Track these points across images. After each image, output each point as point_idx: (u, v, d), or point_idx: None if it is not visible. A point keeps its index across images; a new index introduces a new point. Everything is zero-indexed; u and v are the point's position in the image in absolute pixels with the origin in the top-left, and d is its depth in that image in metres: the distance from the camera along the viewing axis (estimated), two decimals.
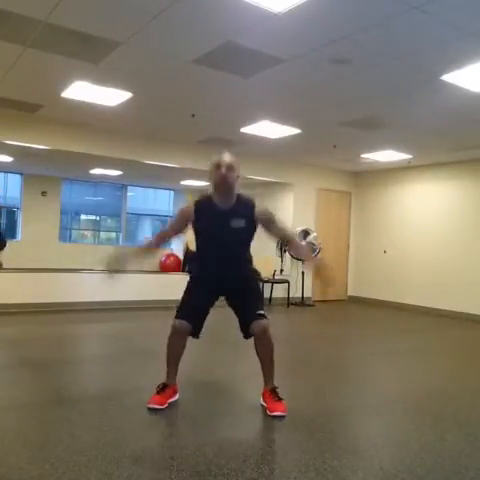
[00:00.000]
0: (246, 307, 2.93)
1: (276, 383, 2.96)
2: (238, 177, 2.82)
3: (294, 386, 3.50)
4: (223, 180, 2.71)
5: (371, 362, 4.57)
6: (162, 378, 2.98)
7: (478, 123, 5.61)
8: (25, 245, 10.55)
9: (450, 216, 7.98)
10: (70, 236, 12.37)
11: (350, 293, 9.56)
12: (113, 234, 13.04)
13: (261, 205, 2.90)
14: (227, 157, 2.75)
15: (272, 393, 2.92)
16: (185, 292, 3.01)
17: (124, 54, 4.01)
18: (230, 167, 2.72)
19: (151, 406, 2.86)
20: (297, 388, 3.47)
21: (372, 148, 7.26)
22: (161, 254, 12.16)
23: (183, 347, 2.97)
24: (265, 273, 7.68)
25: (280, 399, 2.89)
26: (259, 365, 2.97)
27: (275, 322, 7.19)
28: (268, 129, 6.28)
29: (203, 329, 2.96)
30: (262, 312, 2.89)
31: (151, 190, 13.15)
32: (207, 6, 3.16)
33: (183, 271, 11.46)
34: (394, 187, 8.94)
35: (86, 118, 6.23)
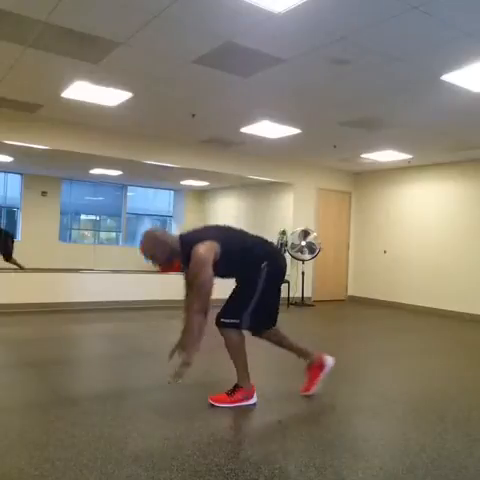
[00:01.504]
0: (225, 304, 3.06)
1: (277, 382, 2.96)
2: (163, 244, 2.92)
3: (294, 386, 3.50)
4: (159, 269, 3.01)
5: (371, 362, 4.57)
6: (162, 378, 2.97)
7: (478, 123, 5.62)
8: (25, 245, 10.53)
9: (450, 216, 7.98)
10: (70, 236, 12.35)
11: (350, 293, 9.56)
12: (113, 234, 13.03)
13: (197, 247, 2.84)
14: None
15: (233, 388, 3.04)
16: None
17: (124, 54, 4.01)
18: (148, 257, 2.92)
19: None
20: (297, 388, 3.46)
21: (372, 148, 7.26)
22: None
23: None
24: None
25: (227, 393, 2.99)
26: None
27: None
28: (268, 129, 6.28)
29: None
30: (226, 321, 2.96)
31: (151, 190, 13.15)
32: (207, 6, 3.17)
33: (183, 271, 11.46)
34: (394, 187, 8.94)
35: (86, 118, 6.23)
